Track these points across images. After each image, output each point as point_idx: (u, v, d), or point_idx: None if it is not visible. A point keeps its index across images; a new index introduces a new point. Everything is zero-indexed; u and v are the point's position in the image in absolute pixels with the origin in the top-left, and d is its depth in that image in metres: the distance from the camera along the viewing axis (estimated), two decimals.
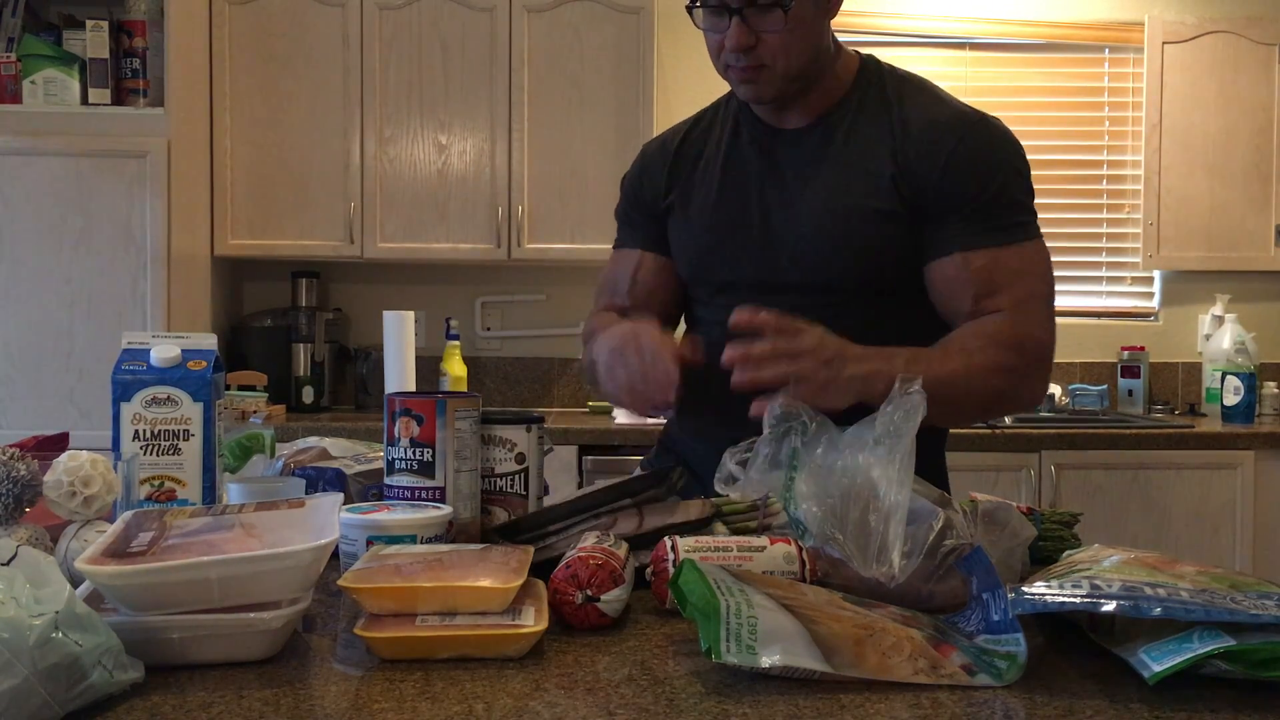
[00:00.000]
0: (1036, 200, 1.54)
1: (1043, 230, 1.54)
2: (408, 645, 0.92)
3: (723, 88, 1.60)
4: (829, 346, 1.30)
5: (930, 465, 1.51)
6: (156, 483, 1.23)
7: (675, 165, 1.64)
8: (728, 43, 1.46)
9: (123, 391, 1.24)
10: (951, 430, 1.74)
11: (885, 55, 1.61)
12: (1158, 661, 0.85)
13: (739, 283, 1.56)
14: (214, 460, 1.25)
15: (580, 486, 3.27)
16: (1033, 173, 1.55)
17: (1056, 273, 1.57)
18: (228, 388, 3.67)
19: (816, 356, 1.28)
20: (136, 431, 1.23)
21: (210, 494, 1.25)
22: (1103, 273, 4.12)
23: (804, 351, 1.28)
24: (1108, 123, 4.09)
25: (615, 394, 1.43)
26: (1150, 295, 4.15)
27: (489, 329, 4.04)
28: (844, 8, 1.55)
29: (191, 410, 1.24)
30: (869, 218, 1.49)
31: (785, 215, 1.53)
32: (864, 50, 1.61)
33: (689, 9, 1.48)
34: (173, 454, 1.23)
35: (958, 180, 1.46)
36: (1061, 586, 0.91)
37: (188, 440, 1.24)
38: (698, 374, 1.60)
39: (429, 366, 3.75)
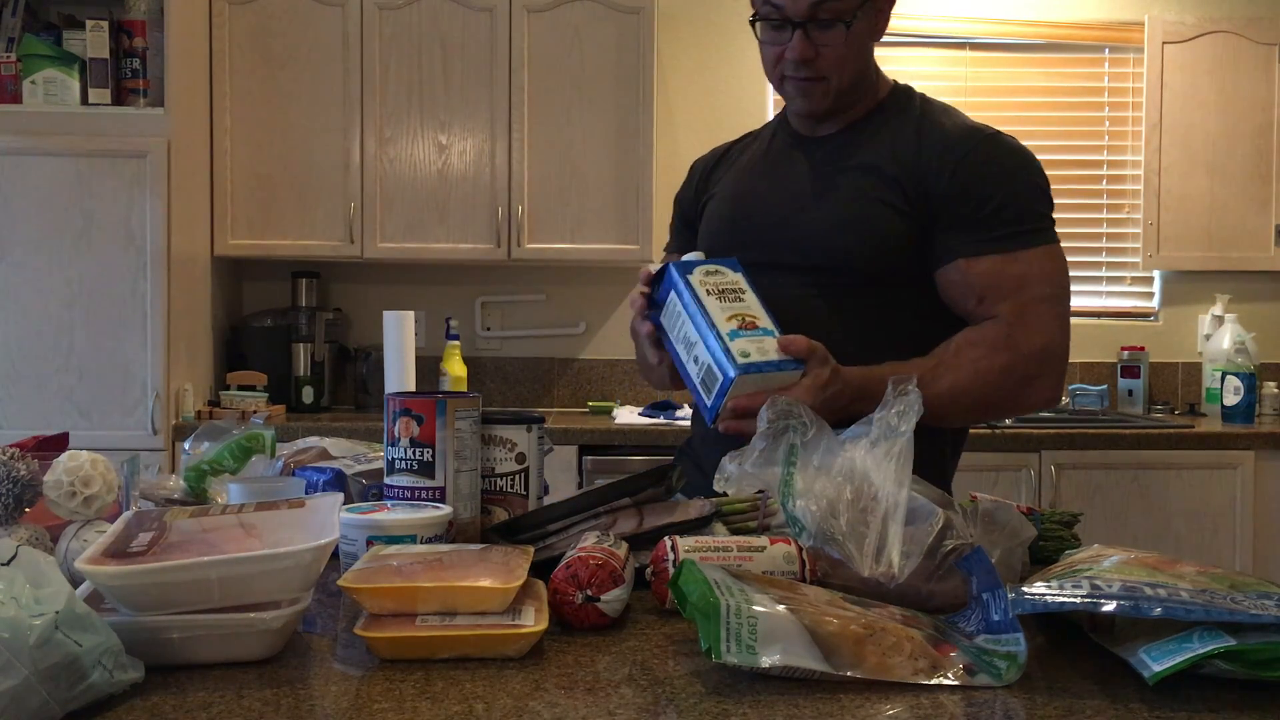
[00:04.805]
0: None
1: None
2: (408, 645, 0.92)
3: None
4: (829, 381, 1.41)
5: (931, 465, 1.53)
6: None
7: (714, 169, 1.77)
8: (789, 54, 1.54)
9: None
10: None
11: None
12: (1158, 661, 0.85)
13: (754, 263, 1.61)
14: None
15: (580, 486, 3.27)
16: None
17: None
18: (227, 387, 3.68)
19: (814, 394, 1.38)
20: None
21: None
22: (1103, 273, 4.12)
23: (805, 389, 1.39)
24: (1108, 123, 4.09)
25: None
26: (1150, 295, 4.14)
27: (489, 329, 4.04)
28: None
29: None
30: (878, 210, 1.56)
31: (803, 204, 1.62)
32: None
33: (751, 22, 1.58)
34: None
35: (964, 188, 1.53)
36: (1061, 586, 0.91)
37: None
38: None
39: (429, 366, 3.75)
